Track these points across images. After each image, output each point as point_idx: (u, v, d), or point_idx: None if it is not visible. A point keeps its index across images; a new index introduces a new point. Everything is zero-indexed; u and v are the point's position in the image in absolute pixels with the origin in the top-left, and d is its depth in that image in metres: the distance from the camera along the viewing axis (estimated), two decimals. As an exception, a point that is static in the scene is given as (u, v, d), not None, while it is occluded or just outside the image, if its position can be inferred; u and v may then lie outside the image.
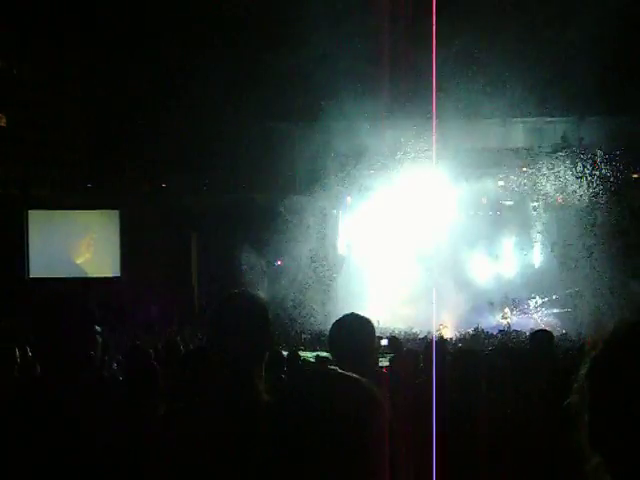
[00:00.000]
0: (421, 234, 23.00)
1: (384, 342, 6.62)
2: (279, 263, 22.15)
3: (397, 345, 6.60)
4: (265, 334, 2.50)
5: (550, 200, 21.95)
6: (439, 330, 20.71)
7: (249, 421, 2.31)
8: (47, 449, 2.56)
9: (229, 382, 2.43)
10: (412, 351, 8.16)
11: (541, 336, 5.01)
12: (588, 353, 1.37)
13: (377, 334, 3.33)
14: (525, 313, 22.02)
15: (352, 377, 1.38)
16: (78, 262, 21.98)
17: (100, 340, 2.68)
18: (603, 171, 21.12)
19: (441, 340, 11.67)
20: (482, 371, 4.34)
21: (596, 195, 21.29)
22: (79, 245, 21.99)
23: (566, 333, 18.44)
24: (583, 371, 1.35)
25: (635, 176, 22.38)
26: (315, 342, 18.24)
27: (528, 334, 12.43)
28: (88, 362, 2.65)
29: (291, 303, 22.44)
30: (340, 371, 1.40)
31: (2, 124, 20.88)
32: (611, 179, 21.17)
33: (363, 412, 1.32)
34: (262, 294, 20.20)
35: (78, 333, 2.61)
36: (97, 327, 2.74)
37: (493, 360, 5.54)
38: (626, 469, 1.25)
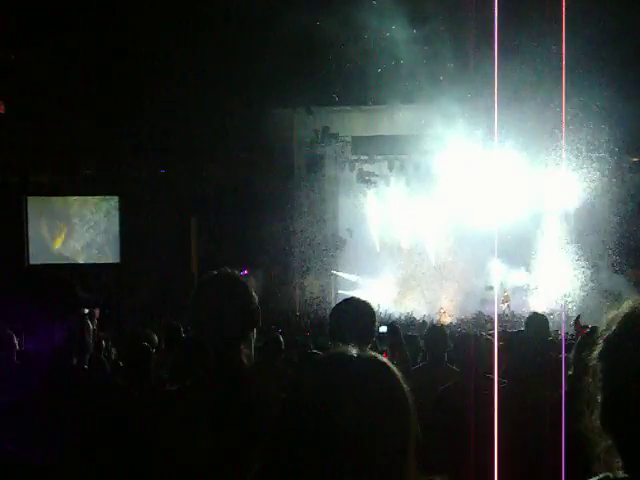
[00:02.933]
0: (420, 219, 22.99)
1: (383, 329, 6.55)
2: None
3: (396, 332, 6.57)
4: (246, 314, 2.47)
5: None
6: (439, 315, 20.75)
7: (236, 405, 2.32)
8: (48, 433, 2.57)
9: (214, 365, 2.42)
10: (412, 337, 8.18)
11: (536, 320, 5.00)
12: (601, 334, 1.37)
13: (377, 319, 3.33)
14: (525, 297, 22.01)
15: (371, 357, 1.32)
16: (78, 249, 21.97)
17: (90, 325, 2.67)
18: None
19: (440, 325, 11.66)
20: (483, 354, 4.36)
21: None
22: (78, 232, 21.97)
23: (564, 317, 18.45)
24: (596, 352, 1.35)
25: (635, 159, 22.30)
26: (316, 327, 18.23)
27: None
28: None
29: (291, 288, 22.47)
30: (358, 352, 1.33)
31: (1, 111, 20.78)
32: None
33: (388, 395, 1.28)
34: (260, 277, 20.23)
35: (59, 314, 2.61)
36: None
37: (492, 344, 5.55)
38: (638, 450, 1.25)
